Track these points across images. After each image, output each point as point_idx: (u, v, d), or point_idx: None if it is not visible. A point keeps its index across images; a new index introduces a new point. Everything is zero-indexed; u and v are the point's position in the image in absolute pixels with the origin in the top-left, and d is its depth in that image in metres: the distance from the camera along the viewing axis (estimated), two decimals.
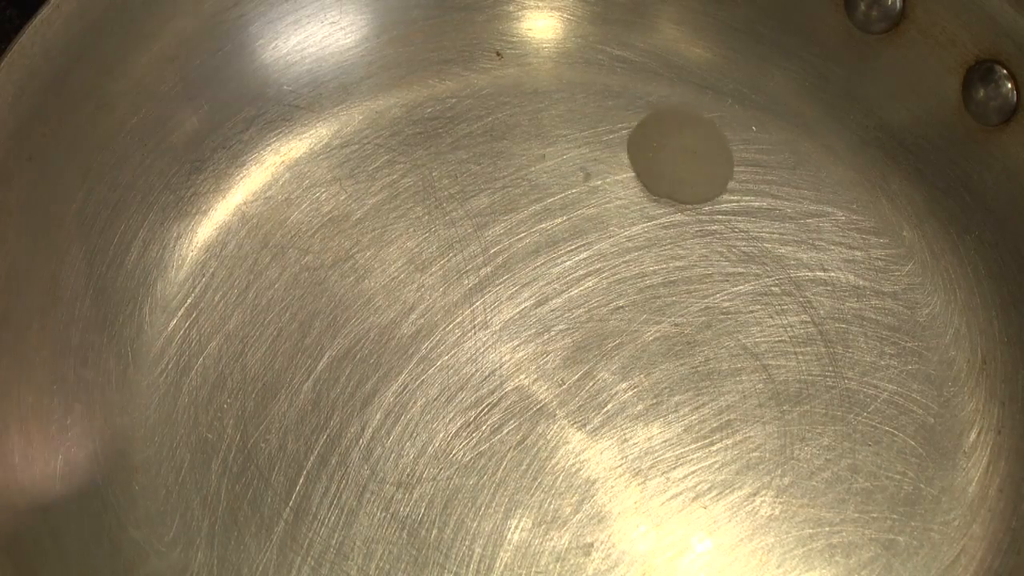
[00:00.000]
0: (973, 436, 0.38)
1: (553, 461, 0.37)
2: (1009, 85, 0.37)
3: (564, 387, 0.38)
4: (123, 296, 0.38)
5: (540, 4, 0.43)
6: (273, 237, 0.40)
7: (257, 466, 0.37)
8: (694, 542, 0.36)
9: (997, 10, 0.37)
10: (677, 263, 0.40)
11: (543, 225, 0.40)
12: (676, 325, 0.39)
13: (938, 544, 0.36)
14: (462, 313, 0.39)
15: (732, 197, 0.41)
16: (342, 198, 0.41)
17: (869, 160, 0.41)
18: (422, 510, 0.36)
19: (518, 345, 0.38)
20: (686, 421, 0.37)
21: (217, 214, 0.40)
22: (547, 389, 0.38)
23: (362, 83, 0.42)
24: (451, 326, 0.39)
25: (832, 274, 0.40)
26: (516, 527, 0.36)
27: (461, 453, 0.37)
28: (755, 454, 0.37)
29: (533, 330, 0.39)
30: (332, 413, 0.37)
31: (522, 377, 0.38)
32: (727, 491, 0.37)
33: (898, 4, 0.39)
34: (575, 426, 0.37)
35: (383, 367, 0.38)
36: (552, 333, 0.39)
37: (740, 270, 0.40)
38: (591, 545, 0.36)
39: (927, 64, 0.39)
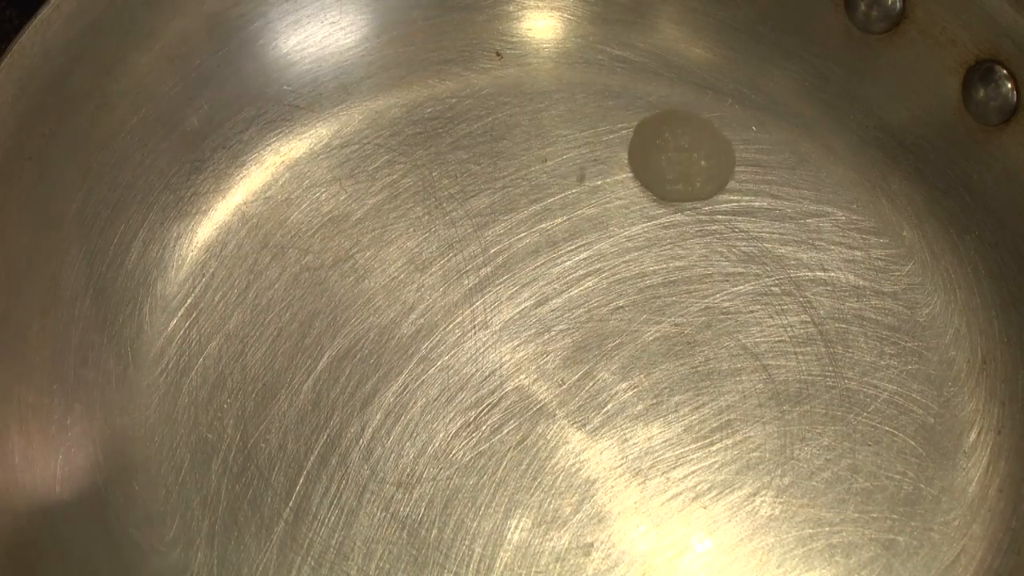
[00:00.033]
0: (973, 436, 0.38)
1: (553, 461, 0.37)
2: (1009, 85, 0.37)
3: (564, 387, 0.38)
4: (123, 296, 0.38)
5: (540, 4, 0.43)
6: (273, 237, 0.40)
7: (257, 466, 0.37)
8: (694, 542, 0.36)
9: (997, 10, 0.37)
10: (677, 263, 0.40)
11: (543, 225, 0.40)
12: (676, 325, 0.39)
13: (938, 544, 0.36)
14: (462, 313, 0.39)
15: (732, 197, 0.41)
16: (342, 198, 0.41)
17: (869, 160, 0.41)
18: (422, 510, 0.36)
19: (518, 345, 0.38)
20: (686, 421, 0.37)
21: (217, 214, 0.40)
22: (547, 389, 0.38)
23: (362, 83, 0.42)
24: (451, 326, 0.39)
25: (832, 274, 0.40)
26: (516, 527, 0.36)
27: (461, 453, 0.37)
28: (755, 454, 0.37)
29: (533, 330, 0.39)
30: (332, 413, 0.37)
31: (522, 377, 0.38)
32: (727, 491, 0.37)
33: (898, 4, 0.39)
34: (575, 426, 0.37)
35: (383, 367, 0.38)
36: (552, 333, 0.39)
37: (740, 270, 0.40)
38: (591, 545, 0.36)
39: (927, 64, 0.39)
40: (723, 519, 0.36)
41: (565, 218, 0.40)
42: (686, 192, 0.41)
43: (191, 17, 0.39)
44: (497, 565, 0.36)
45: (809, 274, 0.40)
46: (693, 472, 0.37)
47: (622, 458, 0.37)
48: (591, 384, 0.38)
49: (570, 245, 0.40)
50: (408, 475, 0.37)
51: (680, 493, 0.37)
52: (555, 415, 0.38)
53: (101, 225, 0.38)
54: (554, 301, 0.39)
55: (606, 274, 0.40)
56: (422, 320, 0.39)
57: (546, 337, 0.39)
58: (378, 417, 0.37)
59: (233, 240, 0.40)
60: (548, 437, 0.37)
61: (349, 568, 0.36)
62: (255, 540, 0.36)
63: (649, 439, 0.37)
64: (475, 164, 0.41)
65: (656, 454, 0.37)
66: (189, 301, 0.39)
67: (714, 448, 0.37)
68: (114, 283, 0.38)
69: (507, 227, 0.40)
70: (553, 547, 0.36)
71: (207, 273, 0.39)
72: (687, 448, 0.37)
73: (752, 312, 0.39)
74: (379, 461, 0.37)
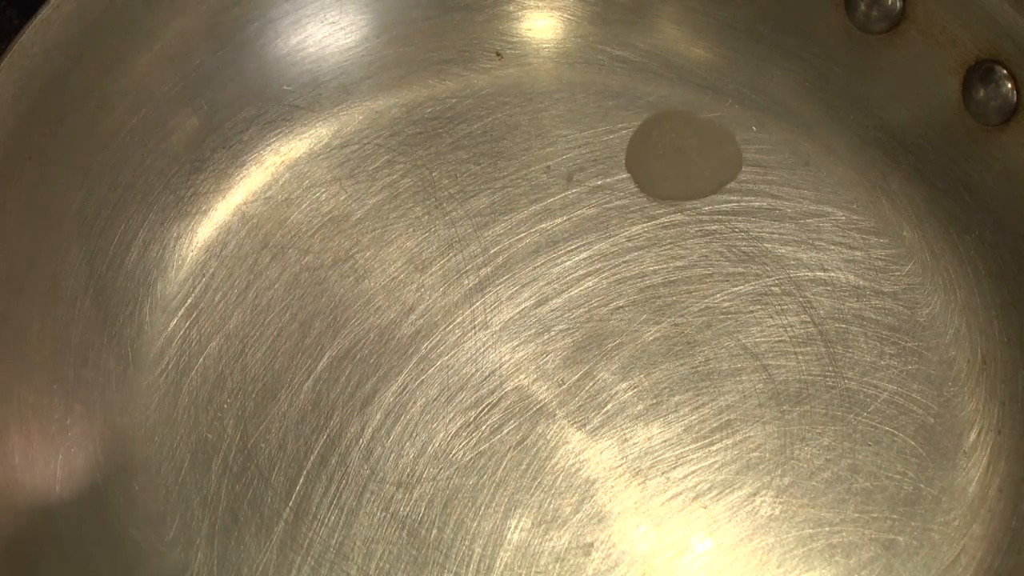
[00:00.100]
0: (973, 436, 0.38)
1: (553, 461, 0.37)
2: (1009, 85, 0.37)
3: (564, 387, 0.38)
4: (123, 296, 0.38)
5: (540, 4, 0.43)
6: (273, 237, 0.40)
7: (257, 466, 0.37)
8: (694, 542, 0.36)
9: (997, 10, 0.37)
10: (677, 263, 0.40)
11: (543, 225, 0.40)
12: (676, 325, 0.39)
13: (938, 544, 0.36)
14: (462, 313, 0.39)
15: (732, 197, 0.41)
16: (342, 198, 0.41)
17: (869, 160, 0.41)
18: (422, 510, 0.36)
19: (518, 345, 0.38)
20: (686, 421, 0.37)
21: (217, 214, 0.40)
22: (547, 389, 0.38)
23: (362, 83, 0.42)
24: (451, 326, 0.39)
25: (832, 274, 0.40)
26: (516, 527, 0.36)
27: (461, 453, 0.37)
28: (755, 454, 0.37)
29: (533, 330, 0.39)
30: (332, 413, 0.37)
31: (522, 377, 0.38)
32: (727, 491, 0.37)
33: (898, 4, 0.39)
34: (575, 426, 0.37)
35: (383, 367, 0.38)
36: (552, 333, 0.39)
37: (740, 270, 0.40)
38: (591, 545, 0.36)
39: (927, 64, 0.39)
40: (723, 519, 0.36)
41: (565, 218, 0.40)
42: (686, 192, 0.41)
43: (191, 17, 0.39)
44: (497, 565, 0.36)
45: (809, 274, 0.40)
46: (693, 472, 0.37)
47: (622, 458, 0.37)
48: (591, 384, 0.38)
49: (570, 245, 0.40)
50: (408, 475, 0.37)
51: (680, 493, 0.37)
52: (555, 415, 0.38)
53: (101, 225, 0.38)
54: (554, 301, 0.39)
55: (606, 274, 0.40)
56: (422, 320, 0.39)
57: (546, 337, 0.39)
58: (378, 417, 0.37)
59: (233, 240, 0.40)
60: (548, 437, 0.37)
61: (349, 568, 0.36)
62: (255, 540, 0.36)
63: (649, 439, 0.37)
64: (475, 164, 0.41)
65: (656, 454, 0.37)
66: (189, 301, 0.39)
67: (714, 448, 0.37)
68: (114, 283, 0.38)
69: (507, 227, 0.40)
70: (553, 547, 0.36)
71: (207, 273, 0.39)
72: (687, 448, 0.37)
73: (752, 312, 0.39)
74: (379, 461, 0.37)
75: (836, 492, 0.37)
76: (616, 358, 0.38)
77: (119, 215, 0.39)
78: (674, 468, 0.37)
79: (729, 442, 0.37)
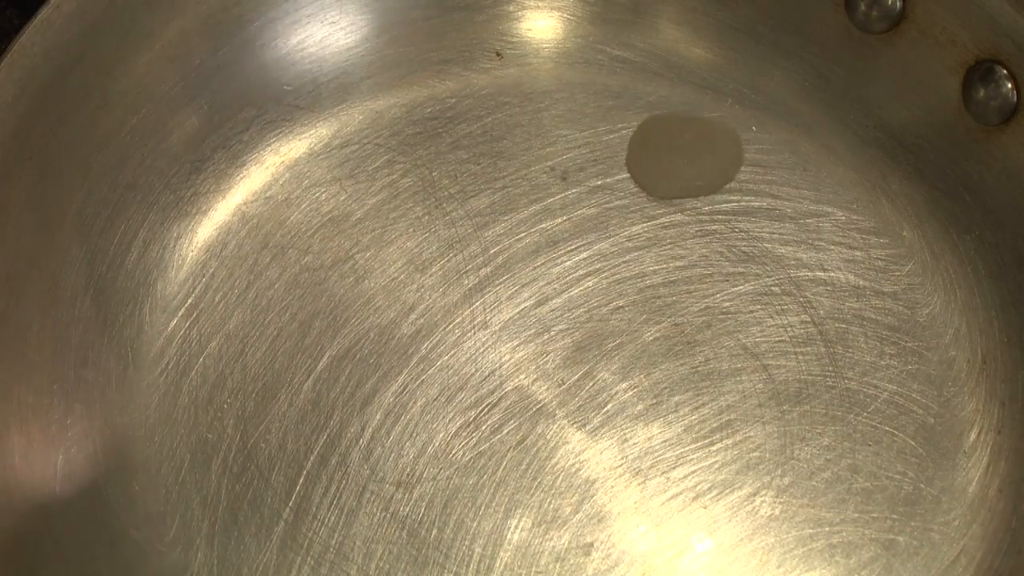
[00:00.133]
0: (973, 436, 0.38)
1: (553, 461, 0.37)
2: (1009, 85, 0.37)
3: (564, 387, 0.38)
4: (123, 296, 0.38)
5: (540, 4, 0.43)
6: (273, 237, 0.40)
7: (257, 466, 0.37)
8: (694, 542, 0.36)
9: (997, 10, 0.37)
10: (677, 263, 0.40)
11: (543, 225, 0.40)
12: (676, 325, 0.39)
13: (938, 544, 0.36)
14: (462, 313, 0.39)
15: (732, 197, 0.41)
16: (342, 198, 0.41)
17: (869, 160, 0.41)
18: (422, 510, 0.36)
19: (518, 345, 0.38)
20: (686, 421, 0.37)
21: (217, 214, 0.40)
22: (547, 389, 0.38)
23: (362, 83, 0.42)
24: (451, 326, 0.39)
25: (832, 274, 0.40)
26: (516, 527, 0.36)
27: (461, 453, 0.37)
28: (755, 454, 0.37)
29: (533, 330, 0.39)
30: (332, 413, 0.37)
31: (522, 377, 0.38)
32: (727, 491, 0.37)
33: (898, 4, 0.39)
34: (575, 426, 0.37)
35: (383, 367, 0.38)
36: (552, 333, 0.39)
37: (740, 270, 0.40)
38: (591, 545, 0.36)
39: (927, 64, 0.39)
40: (723, 519, 0.36)
41: (565, 218, 0.40)
42: (686, 192, 0.41)
43: (191, 17, 0.39)
44: (497, 565, 0.36)
45: (809, 274, 0.40)
46: (693, 472, 0.37)
47: (622, 458, 0.37)
48: (591, 384, 0.38)
49: (570, 245, 0.40)
50: (408, 475, 0.37)
51: (680, 493, 0.37)
52: (555, 415, 0.38)
53: (101, 225, 0.38)
54: (554, 301, 0.39)
55: (606, 274, 0.40)
56: (422, 320, 0.39)
57: (546, 337, 0.39)
58: (378, 417, 0.37)
59: (233, 240, 0.40)
60: (548, 437, 0.37)
61: (349, 568, 0.36)
62: (255, 540, 0.36)
63: (649, 439, 0.37)
64: (475, 164, 0.41)
65: (656, 454, 0.37)
66: (189, 301, 0.39)
67: (714, 448, 0.37)
68: (114, 283, 0.38)
69: (507, 227, 0.40)
70: (553, 547, 0.36)
71: (207, 273, 0.39)
72: (687, 448, 0.37)
73: (752, 312, 0.39)
74: (379, 461, 0.37)
75: (836, 492, 0.37)
76: (616, 358, 0.38)
77: (119, 215, 0.39)
78: (674, 468, 0.37)
79: (729, 442, 0.37)
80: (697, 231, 0.40)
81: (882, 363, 0.38)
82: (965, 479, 0.37)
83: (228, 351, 0.38)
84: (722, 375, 0.38)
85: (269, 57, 0.41)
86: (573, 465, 0.37)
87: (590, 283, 0.39)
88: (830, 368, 0.38)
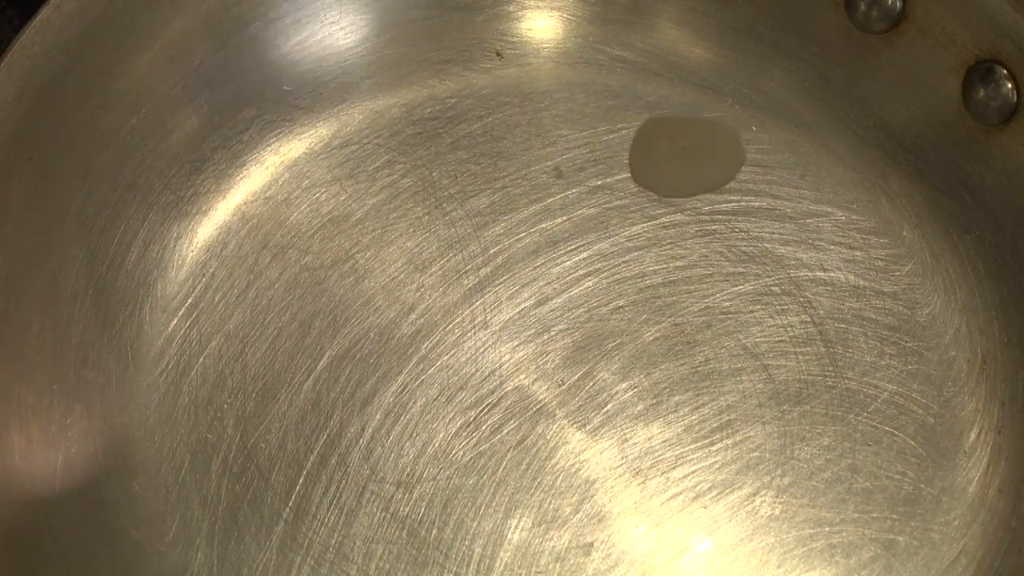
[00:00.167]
0: (973, 436, 0.38)
1: (553, 461, 0.37)
2: (1009, 85, 0.37)
3: (564, 387, 0.38)
4: (123, 296, 0.38)
5: (540, 4, 0.43)
6: (273, 237, 0.40)
7: (257, 466, 0.37)
8: (694, 542, 0.36)
9: (997, 10, 0.37)
10: (677, 263, 0.40)
11: (543, 225, 0.40)
12: (676, 325, 0.39)
13: (938, 544, 0.36)
14: (462, 313, 0.39)
15: (732, 197, 0.41)
16: (342, 198, 0.41)
17: (869, 160, 0.41)
18: (422, 510, 0.36)
19: (518, 345, 0.38)
20: (686, 421, 0.37)
21: (217, 214, 0.40)
22: (547, 389, 0.38)
23: (362, 83, 0.42)
24: (451, 326, 0.39)
25: (832, 274, 0.40)
26: (516, 527, 0.36)
27: (461, 453, 0.37)
28: (755, 454, 0.37)
29: (533, 330, 0.39)
30: (332, 413, 0.37)
31: (522, 377, 0.38)
32: (727, 491, 0.37)
33: (898, 4, 0.39)
34: (575, 426, 0.37)
35: (383, 367, 0.38)
36: (552, 333, 0.39)
37: (740, 270, 0.40)
38: (591, 545, 0.36)
39: (927, 64, 0.39)
40: (723, 519, 0.36)
41: (565, 218, 0.40)
42: (686, 192, 0.41)
43: (191, 17, 0.39)
44: (497, 565, 0.36)
45: (809, 274, 0.40)
46: (693, 472, 0.37)
47: (622, 458, 0.37)
48: (591, 384, 0.38)
49: (570, 245, 0.40)
50: (408, 475, 0.37)
51: (680, 493, 0.37)
52: (555, 415, 0.38)
53: (101, 225, 0.38)
54: (554, 301, 0.39)
55: (606, 274, 0.40)
56: (422, 320, 0.39)
57: (546, 337, 0.39)
58: (378, 417, 0.37)
59: (233, 240, 0.40)
60: (548, 437, 0.37)
61: (349, 568, 0.36)
62: (255, 540, 0.36)
63: (649, 439, 0.37)
64: (475, 164, 0.41)
65: (656, 454, 0.37)
66: (189, 301, 0.39)
67: (714, 448, 0.37)
68: (114, 283, 0.38)
69: (507, 227, 0.40)
70: (553, 547, 0.36)
71: (207, 273, 0.39)
72: (687, 448, 0.37)
73: (752, 312, 0.39)
74: (379, 461, 0.37)
75: (836, 492, 0.37)
76: (616, 358, 0.38)
77: (119, 215, 0.39)
78: (674, 468, 0.37)
79: (729, 442, 0.37)
80: (697, 231, 0.40)
81: (882, 363, 0.38)
82: (965, 479, 0.37)
83: (228, 351, 0.38)
84: (722, 375, 0.38)
85: (269, 57, 0.41)
86: (573, 465, 0.37)
87: (590, 283, 0.39)
88: (830, 368, 0.38)
